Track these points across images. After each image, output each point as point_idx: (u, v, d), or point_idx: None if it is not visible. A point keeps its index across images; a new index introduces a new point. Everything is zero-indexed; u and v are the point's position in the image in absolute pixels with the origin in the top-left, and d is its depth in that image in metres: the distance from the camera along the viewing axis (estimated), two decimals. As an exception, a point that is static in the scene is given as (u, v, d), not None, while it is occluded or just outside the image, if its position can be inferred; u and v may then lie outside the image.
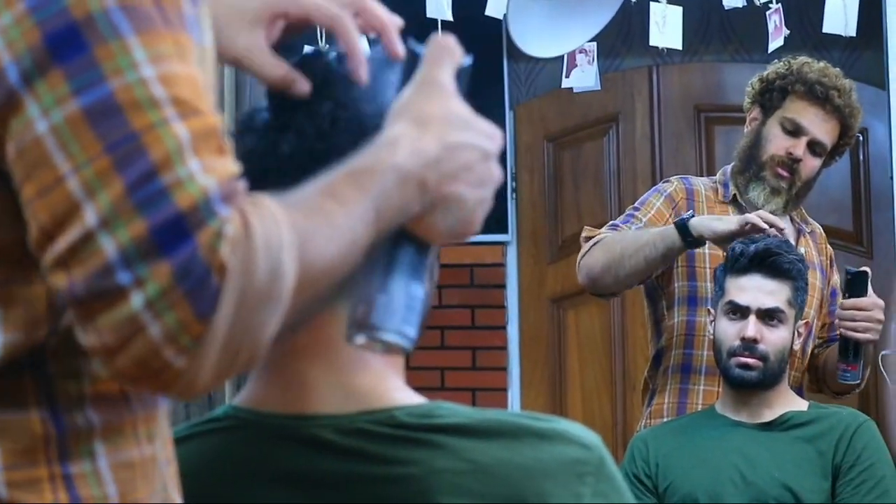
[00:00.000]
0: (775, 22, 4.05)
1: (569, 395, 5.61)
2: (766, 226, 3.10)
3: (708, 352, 3.27)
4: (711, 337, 3.16)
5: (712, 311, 3.16)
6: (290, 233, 1.04)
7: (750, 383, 3.05)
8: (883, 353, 3.25)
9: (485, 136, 1.22)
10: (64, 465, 1.08)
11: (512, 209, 5.68)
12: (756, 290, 3.05)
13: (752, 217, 3.12)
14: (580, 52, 4.23)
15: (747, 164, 3.46)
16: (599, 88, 4.54)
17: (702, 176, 3.94)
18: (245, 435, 1.29)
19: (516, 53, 4.97)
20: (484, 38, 5.29)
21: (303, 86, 1.30)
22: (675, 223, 3.21)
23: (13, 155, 1.02)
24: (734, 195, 3.48)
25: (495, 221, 5.50)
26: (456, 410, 1.29)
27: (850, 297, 3.27)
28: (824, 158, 3.47)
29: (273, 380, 1.31)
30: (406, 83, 1.24)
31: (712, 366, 3.22)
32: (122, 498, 1.11)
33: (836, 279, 3.61)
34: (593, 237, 3.38)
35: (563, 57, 4.25)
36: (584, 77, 4.28)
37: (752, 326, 3.03)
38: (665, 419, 3.34)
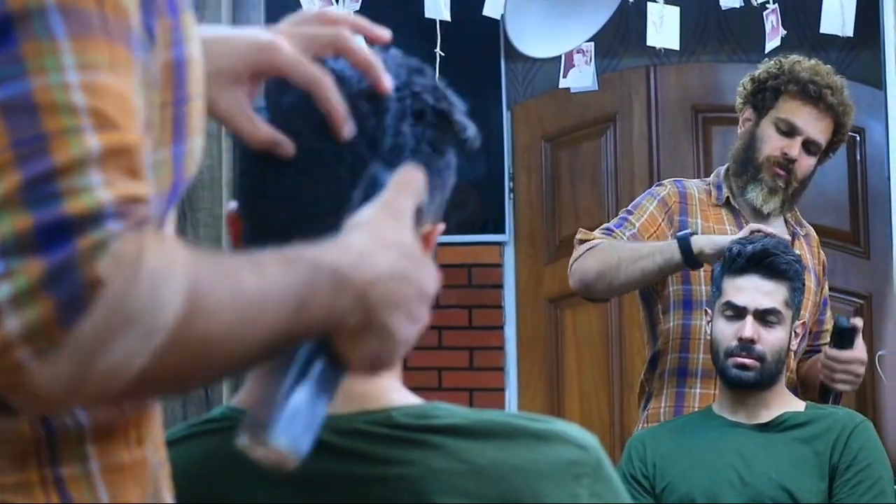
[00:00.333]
0: (772, 22, 4.05)
1: (566, 395, 5.61)
2: (771, 230, 3.14)
3: (704, 355, 3.27)
4: (709, 337, 3.16)
5: (709, 311, 3.16)
6: (183, 277, 1.00)
7: (747, 384, 3.05)
8: (879, 353, 3.26)
9: (429, 277, 1.19)
10: (55, 468, 1.08)
11: (509, 209, 5.68)
12: (753, 290, 3.05)
13: (754, 226, 3.16)
14: (577, 53, 4.23)
15: (744, 166, 3.46)
16: (597, 88, 4.55)
17: (700, 176, 3.94)
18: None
19: (514, 54, 4.97)
20: (481, 38, 5.30)
21: (287, 148, 1.28)
22: (677, 238, 3.21)
23: None
24: (727, 198, 3.48)
25: (493, 222, 5.52)
26: (453, 411, 1.29)
27: (836, 347, 3.29)
28: (819, 157, 3.48)
29: (271, 381, 1.31)
30: (364, 202, 1.21)
31: (709, 369, 3.23)
32: (113, 500, 1.10)
33: (827, 290, 3.63)
34: (587, 241, 3.38)
35: (560, 57, 4.26)
36: (581, 77, 4.29)
37: (749, 327, 3.03)
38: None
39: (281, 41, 1.32)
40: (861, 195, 5.41)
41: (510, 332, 5.69)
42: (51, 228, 0.96)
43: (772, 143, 3.43)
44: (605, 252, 3.31)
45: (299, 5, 3.98)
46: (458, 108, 1.35)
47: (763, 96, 3.46)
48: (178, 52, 1.13)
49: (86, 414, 1.09)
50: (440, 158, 1.32)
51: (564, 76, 4.31)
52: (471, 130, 1.36)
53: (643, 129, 5.62)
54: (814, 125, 3.44)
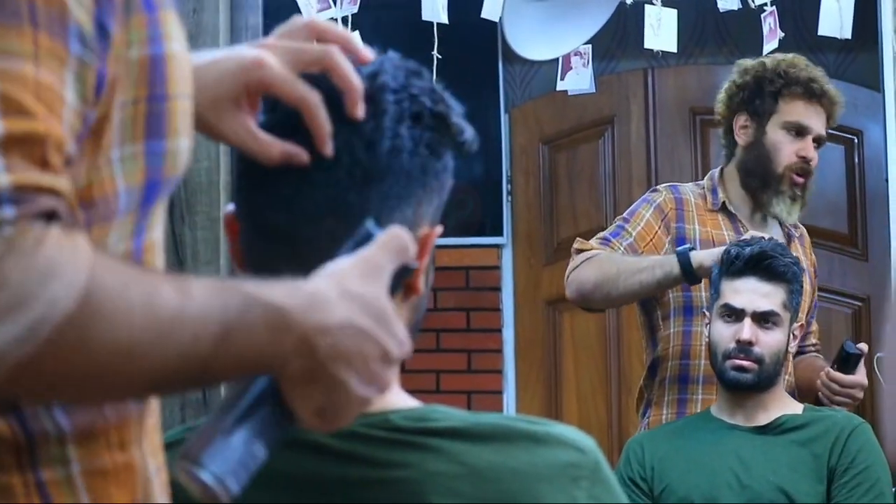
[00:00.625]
0: (770, 24, 4.05)
1: (564, 397, 5.61)
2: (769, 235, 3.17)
3: (705, 361, 3.27)
4: (707, 340, 3.15)
5: (707, 313, 3.16)
6: (84, 276, 0.99)
7: (745, 386, 3.05)
8: (878, 355, 3.26)
9: (396, 340, 1.15)
10: (36, 471, 1.07)
11: (507, 212, 5.68)
12: (751, 292, 3.05)
13: (755, 234, 3.22)
14: (575, 55, 4.23)
15: (765, 181, 3.45)
16: (594, 91, 4.54)
17: (698, 178, 3.93)
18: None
19: (512, 56, 4.98)
20: (479, 41, 5.30)
21: (301, 157, 1.28)
22: (676, 253, 3.22)
23: None
24: (723, 203, 3.48)
25: (491, 224, 5.52)
26: (450, 414, 1.29)
27: (839, 370, 3.31)
28: None
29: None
30: (349, 251, 1.19)
31: (710, 375, 3.22)
32: (94, 499, 1.10)
33: (816, 292, 3.65)
34: (584, 250, 3.38)
35: (558, 59, 4.26)
36: (579, 80, 4.28)
37: (747, 329, 3.03)
38: None
39: (266, 57, 1.31)
40: (859, 197, 5.41)
41: (508, 334, 5.69)
42: None
43: (786, 149, 3.44)
44: (603, 263, 3.31)
45: (297, 7, 3.98)
46: (456, 111, 1.34)
47: (762, 101, 3.46)
48: (155, 50, 1.12)
49: (65, 417, 1.09)
50: (437, 161, 1.32)
51: (562, 79, 4.30)
52: (468, 133, 1.35)
53: (641, 132, 5.62)
54: (818, 121, 3.47)
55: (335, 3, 4.04)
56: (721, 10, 4.12)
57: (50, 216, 0.99)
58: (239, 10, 3.40)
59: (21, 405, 1.07)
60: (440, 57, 3.98)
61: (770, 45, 4.00)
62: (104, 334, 1.00)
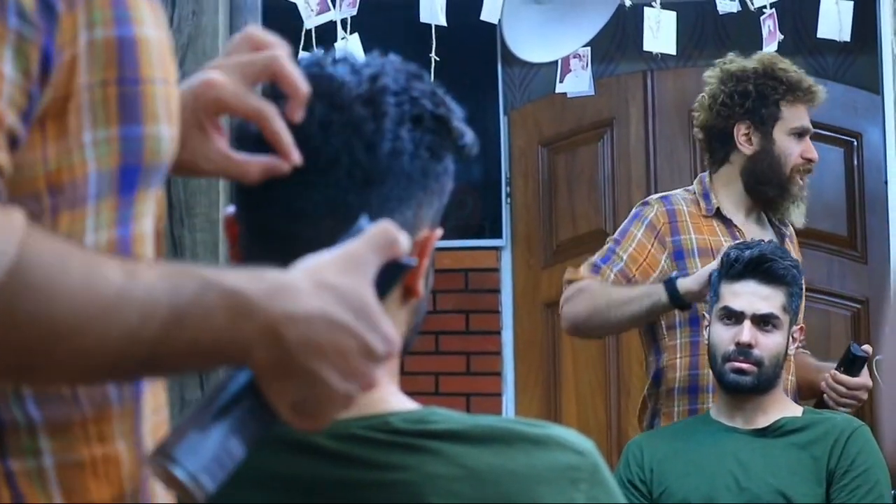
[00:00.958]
0: (769, 27, 4.05)
1: (563, 399, 5.61)
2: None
3: None
4: (706, 342, 3.15)
5: (707, 316, 3.16)
6: (14, 248, 0.98)
7: (744, 388, 3.05)
8: (877, 358, 3.26)
9: (378, 335, 1.13)
10: (5, 461, 1.07)
11: (506, 214, 5.68)
12: (751, 295, 3.05)
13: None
14: (574, 57, 4.23)
15: (782, 187, 3.47)
16: (594, 93, 4.54)
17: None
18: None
19: (511, 58, 4.98)
20: (478, 43, 5.30)
21: (281, 167, 1.27)
22: (663, 283, 3.24)
23: None
24: (717, 208, 3.48)
25: (490, 226, 5.52)
26: (449, 416, 1.29)
27: (845, 372, 3.34)
28: None
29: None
30: (338, 244, 1.18)
31: None
32: (68, 498, 1.09)
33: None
34: (575, 280, 3.39)
35: (557, 62, 4.25)
36: (578, 82, 4.28)
37: (746, 331, 3.03)
38: None
39: (215, 77, 1.31)
40: (858, 200, 5.41)
41: (507, 336, 5.69)
42: None
43: (793, 153, 3.47)
44: (593, 296, 3.33)
45: (296, 9, 3.98)
46: (457, 115, 1.35)
47: (767, 110, 3.46)
48: (122, 31, 1.12)
49: (36, 408, 1.08)
50: (438, 163, 1.32)
51: (561, 81, 4.30)
52: (469, 137, 1.35)
53: (640, 134, 5.62)
54: (809, 118, 3.52)
55: (334, 5, 4.04)
56: (720, 13, 4.12)
57: None
58: (238, 13, 3.39)
59: None
60: (438, 59, 3.97)
61: (769, 47, 4.00)
62: (36, 307, 0.99)
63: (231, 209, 1.37)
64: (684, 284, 3.20)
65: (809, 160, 3.47)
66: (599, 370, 5.57)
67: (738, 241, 3.27)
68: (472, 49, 5.30)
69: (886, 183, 4.42)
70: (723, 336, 3.07)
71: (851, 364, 3.33)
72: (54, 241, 1.02)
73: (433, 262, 1.37)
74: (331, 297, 1.10)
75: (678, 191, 3.60)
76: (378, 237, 1.17)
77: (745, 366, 3.04)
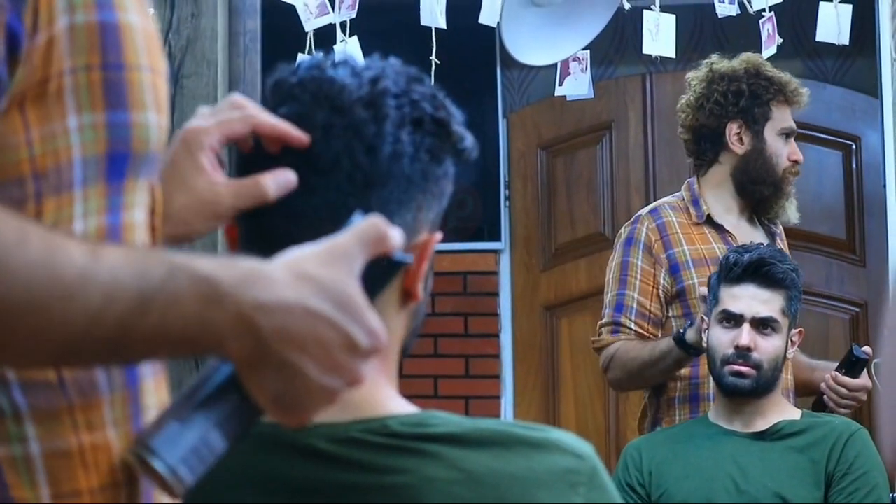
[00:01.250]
0: (768, 30, 4.05)
1: (562, 402, 5.61)
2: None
3: None
4: (705, 345, 3.15)
5: (706, 319, 3.16)
6: None
7: (743, 391, 3.05)
8: (875, 361, 3.26)
9: (363, 328, 1.10)
10: None
11: (505, 217, 5.68)
12: (750, 298, 3.05)
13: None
14: (573, 60, 4.23)
15: (776, 187, 3.48)
16: (593, 96, 4.54)
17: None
18: (239, 443, 1.28)
19: (510, 61, 4.97)
20: (477, 46, 5.30)
21: (292, 178, 1.29)
22: (673, 339, 3.26)
23: None
24: (707, 215, 3.48)
25: (488, 229, 5.52)
26: (448, 420, 1.29)
27: (846, 374, 3.36)
28: None
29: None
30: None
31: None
32: (55, 486, 1.08)
33: None
34: (602, 348, 3.46)
35: (556, 65, 4.25)
36: (577, 85, 4.28)
37: (745, 334, 3.03)
38: None
39: (193, 122, 1.35)
40: (857, 203, 5.41)
41: (506, 339, 5.69)
42: None
43: (783, 154, 3.49)
44: (625, 362, 3.41)
45: (294, 12, 3.98)
46: (457, 118, 1.35)
47: (760, 109, 3.47)
48: (104, 16, 1.12)
49: (21, 395, 1.07)
50: (438, 166, 1.32)
51: (560, 84, 4.30)
52: (468, 140, 1.35)
53: (639, 137, 5.62)
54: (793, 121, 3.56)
55: (333, 9, 4.03)
56: (719, 16, 4.12)
57: None
58: (237, 15, 3.40)
59: None
60: (438, 62, 3.97)
61: (768, 51, 4.00)
62: None
63: None
64: (690, 338, 3.23)
65: (796, 162, 3.51)
66: (598, 373, 5.52)
67: (737, 245, 3.28)
68: (471, 52, 5.30)
69: (885, 186, 4.41)
70: (722, 339, 3.07)
71: (852, 366, 3.33)
72: (13, 221, 1.00)
73: (433, 266, 1.37)
74: (310, 287, 1.09)
75: (667, 199, 3.61)
76: (365, 231, 1.15)
77: (743, 369, 3.04)
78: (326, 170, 1.28)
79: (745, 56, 3.56)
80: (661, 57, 4.14)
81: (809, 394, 3.50)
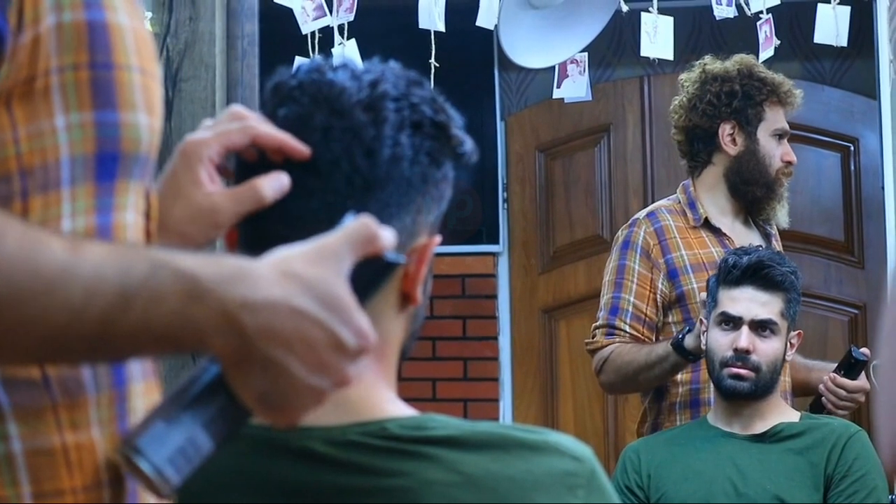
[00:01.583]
0: (766, 32, 4.05)
1: (560, 405, 5.61)
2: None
3: None
4: (704, 347, 3.15)
5: (704, 321, 3.16)
6: None
7: (742, 394, 3.05)
8: (874, 363, 3.26)
9: (350, 328, 1.09)
10: None
11: (503, 219, 5.68)
12: (749, 301, 3.05)
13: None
14: (571, 63, 4.23)
15: (769, 188, 3.48)
16: (591, 99, 4.54)
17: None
18: (237, 446, 1.28)
19: (507, 64, 4.97)
20: (475, 49, 5.30)
21: (285, 181, 1.29)
22: (672, 346, 3.25)
23: None
24: (705, 218, 3.48)
25: (487, 232, 5.52)
26: (447, 422, 1.29)
27: (844, 374, 3.35)
28: None
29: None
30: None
31: None
32: (37, 484, 1.08)
33: None
34: (596, 350, 3.45)
35: (554, 67, 4.26)
36: (575, 87, 4.28)
37: (744, 337, 3.03)
38: None
39: (190, 136, 1.36)
40: (855, 205, 5.42)
41: (504, 342, 5.69)
42: None
43: (776, 155, 3.49)
44: (619, 365, 3.40)
45: (292, 14, 3.98)
46: (456, 122, 1.34)
47: (754, 110, 3.47)
48: (93, 15, 1.12)
49: (3, 393, 1.07)
50: (437, 170, 1.32)
51: (558, 86, 4.30)
52: (468, 144, 1.35)
53: (637, 140, 5.62)
54: (786, 122, 3.56)
55: (331, 11, 4.03)
56: (717, 18, 4.12)
57: None
58: (235, 18, 3.39)
59: None
60: (437, 65, 3.97)
61: (766, 52, 4.00)
62: None
63: None
64: (689, 344, 3.22)
65: (789, 163, 3.51)
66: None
67: (736, 248, 3.27)
68: (469, 55, 5.31)
69: (883, 188, 4.42)
70: (721, 342, 3.07)
71: (851, 367, 3.33)
72: None
73: (432, 269, 1.37)
74: (296, 286, 1.08)
75: (663, 202, 3.60)
76: (355, 231, 1.15)
77: (742, 371, 3.04)
78: (325, 172, 1.28)
79: (739, 57, 3.56)
80: (658, 59, 4.14)
81: (806, 394, 3.50)
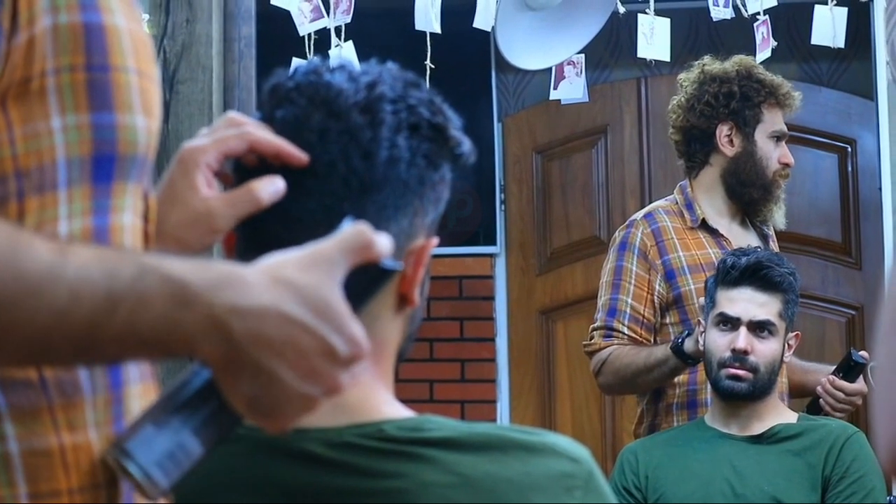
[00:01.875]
0: (763, 33, 4.06)
1: (558, 406, 5.61)
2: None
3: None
4: (702, 348, 3.14)
5: (702, 322, 3.15)
6: None
7: (740, 395, 3.05)
8: (871, 364, 3.26)
9: (342, 336, 1.09)
10: None
11: (500, 221, 5.68)
12: (747, 301, 3.05)
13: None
14: (568, 64, 4.23)
15: (766, 190, 3.48)
16: (588, 100, 4.55)
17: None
18: (234, 447, 1.28)
19: (504, 65, 4.97)
20: (472, 50, 5.30)
21: (279, 184, 1.29)
22: (671, 349, 3.25)
23: None
24: (702, 219, 3.48)
25: (484, 233, 5.52)
26: (444, 424, 1.28)
27: (843, 377, 3.35)
28: None
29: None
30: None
31: None
32: (34, 485, 1.08)
33: None
34: (595, 352, 3.45)
35: (551, 69, 4.26)
36: (572, 89, 4.28)
37: (742, 338, 3.03)
38: None
39: (189, 142, 1.36)
40: (853, 206, 5.42)
41: (501, 343, 5.69)
42: None
43: (773, 157, 3.49)
44: (617, 367, 3.40)
45: (289, 16, 3.98)
46: (454, 123, 1.34)
47: (751, 112, 3.47)
48: (89, 17, 1.12)
49: (1, 393, 1.07)
50: (435, 172, 1.32)
51: (555, 88, 4.30)
52: (466, 145, 1.35)
53: (634, 141, 5.63)
54: (784, 124, 3.55)
55: (328, 13, 4.03)
56: (714, 19, 4.13)
57: None
58: (232, 20, 3.39)
59: None
60: (433, 67, 3.97)
61: (763, 54, 4.01)
62: None
63: None
64: (688, 348, 3.22)
65: (786, 165, 3.50)
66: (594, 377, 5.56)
67: (734, 249, 3.27)
68: (466, 56, 5.30)
69: (881, 189, 4.42)
70: (719, 342, 3.07)
71: (850, 370, 3.33)
72: None
73: (429, 270, 1.36)
74: (287, 293, 1.07)
75: (660, 203, 3.60)
76: (350, 238, 1.14)
77: (740, 372, 3.04)
78: (322, 174, 1.28)
79: (737, 58, 3.56)
80: (655, 61, 4.14)
81: (802, 396, 3.50)
